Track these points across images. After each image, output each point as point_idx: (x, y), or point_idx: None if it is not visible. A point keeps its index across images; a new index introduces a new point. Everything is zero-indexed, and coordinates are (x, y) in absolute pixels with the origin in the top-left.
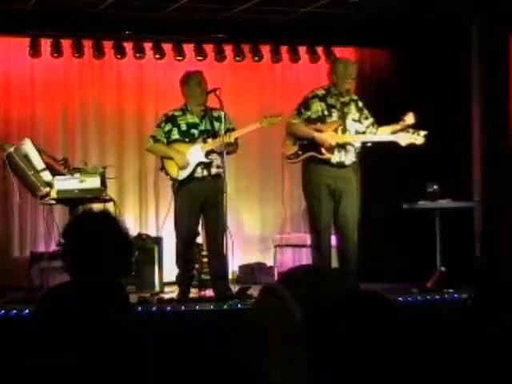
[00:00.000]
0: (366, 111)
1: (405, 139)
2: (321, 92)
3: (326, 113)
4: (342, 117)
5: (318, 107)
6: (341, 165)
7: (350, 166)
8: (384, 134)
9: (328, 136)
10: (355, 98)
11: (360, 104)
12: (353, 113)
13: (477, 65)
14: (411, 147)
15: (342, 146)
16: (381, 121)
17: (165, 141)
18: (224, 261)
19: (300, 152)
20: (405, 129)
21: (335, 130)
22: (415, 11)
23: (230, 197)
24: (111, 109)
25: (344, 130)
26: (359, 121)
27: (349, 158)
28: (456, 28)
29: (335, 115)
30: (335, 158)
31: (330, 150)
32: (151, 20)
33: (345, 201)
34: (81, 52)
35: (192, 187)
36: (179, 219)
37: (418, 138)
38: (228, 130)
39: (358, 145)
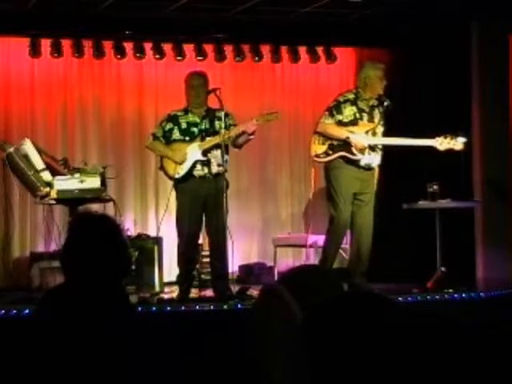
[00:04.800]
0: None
1: (443, 144)
2: (351, 96)
3: (357, 116)
4: (372, 120)
5: (350, 111)
6: (368, 167)
7: (373, 168)
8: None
9: (361, 137)
10: (378, 102)
11: (381, 109)
12: (379, 116)
13: (477, 65)
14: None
15: (371, 149)
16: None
17: (163, 140)
18: (225, 260)
19: (330, 152)
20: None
21: (366, 132)
22: (415, 11)
23: (230, 196)
24: (111, 109)
25: (374, 134)
26: (382, 125)
27: (376, 160)
28: (456, 28)
29: (365, 119)
30: (364, 160)
31: (362, 151)
32: (151, 20)
33: (366, 205)
34: (81, 52)
35: (193, 186)
36: (181, 219)
37: (457, 144)
38: (230, 126)
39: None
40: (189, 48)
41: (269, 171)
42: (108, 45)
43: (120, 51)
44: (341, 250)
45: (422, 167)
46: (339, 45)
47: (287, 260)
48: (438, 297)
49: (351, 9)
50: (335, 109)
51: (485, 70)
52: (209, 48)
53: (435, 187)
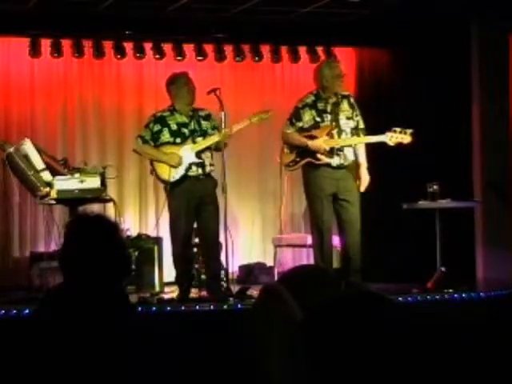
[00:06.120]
0: (356, 108)
1: (392, 139)
2: (310, 99)
3: (318, 119)
4: (335, 119)
5: (309, 116)
6: (340, 166)
7: (348, 165)
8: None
9: (321, 142)
10: (346, 94)
11: (352, 100)
12: (346, 110)
13: (477, 65)
14: (400, 147)
15: (338, 149)
16: (380, 121)
17: (152, 143)
18: (219, 260)
19: (298, 159)
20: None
21: (329, 134)
22: (415, 11)
23: (229, 197)
24: (111, 109)
25: (339, 132)
26: (352, 118)
27: (347, 158)
28: (456, 28)
29: (327, 119)
30: (334, 161)
31: (327, 154)
32: (151, 20)
33: (351, 205)
34: (81, 52)
35: (187, 187)
36: (176, 220)
37: (405, 137)
38: (214, 128)
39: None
40: (189, 48)
41: (269, 171)
42: (108, 45)
43: (120, 51)
44: (340, 250)
45: (422, 167)
46: (339, 45)
47: (287, 260)
48: (438, 297)
49: (351, 9)
50: (295, 116)
51: (485, 70)
52: (209, 48)
53: (435, 187)
